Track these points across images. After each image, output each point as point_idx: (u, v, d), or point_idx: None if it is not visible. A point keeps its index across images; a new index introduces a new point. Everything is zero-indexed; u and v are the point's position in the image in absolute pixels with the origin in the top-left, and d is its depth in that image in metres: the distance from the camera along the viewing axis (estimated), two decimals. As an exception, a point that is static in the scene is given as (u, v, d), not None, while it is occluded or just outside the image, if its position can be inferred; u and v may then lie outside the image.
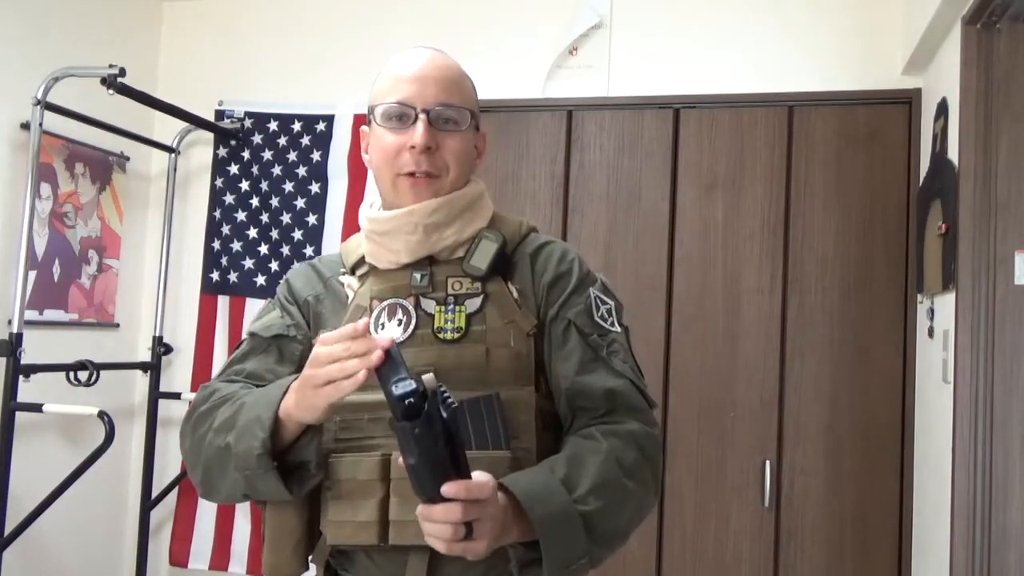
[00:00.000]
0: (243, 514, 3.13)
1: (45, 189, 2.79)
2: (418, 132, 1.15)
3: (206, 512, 3.17)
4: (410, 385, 0.89)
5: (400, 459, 0.92)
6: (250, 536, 3.12)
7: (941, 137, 2.28)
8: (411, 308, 1.17)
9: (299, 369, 1.16)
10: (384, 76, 1.21)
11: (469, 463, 0.94)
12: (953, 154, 2.12)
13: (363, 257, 1.23)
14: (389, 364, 0.93)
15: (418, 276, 1.18)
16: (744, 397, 2.69)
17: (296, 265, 1.34)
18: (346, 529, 1.11)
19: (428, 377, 0.91)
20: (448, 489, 0.90)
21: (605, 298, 1.22)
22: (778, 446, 2.66)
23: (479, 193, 1.23)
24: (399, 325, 1.16)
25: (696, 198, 2.80)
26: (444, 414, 0.89)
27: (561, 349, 1.17)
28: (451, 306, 1.16)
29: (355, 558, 1.16)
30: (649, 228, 2.81)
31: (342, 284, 1.25)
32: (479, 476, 0.95)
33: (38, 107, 2.56)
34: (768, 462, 2.65)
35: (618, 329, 1.21)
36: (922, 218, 2.47)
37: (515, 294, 1.18)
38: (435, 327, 1.15)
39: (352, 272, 1.25)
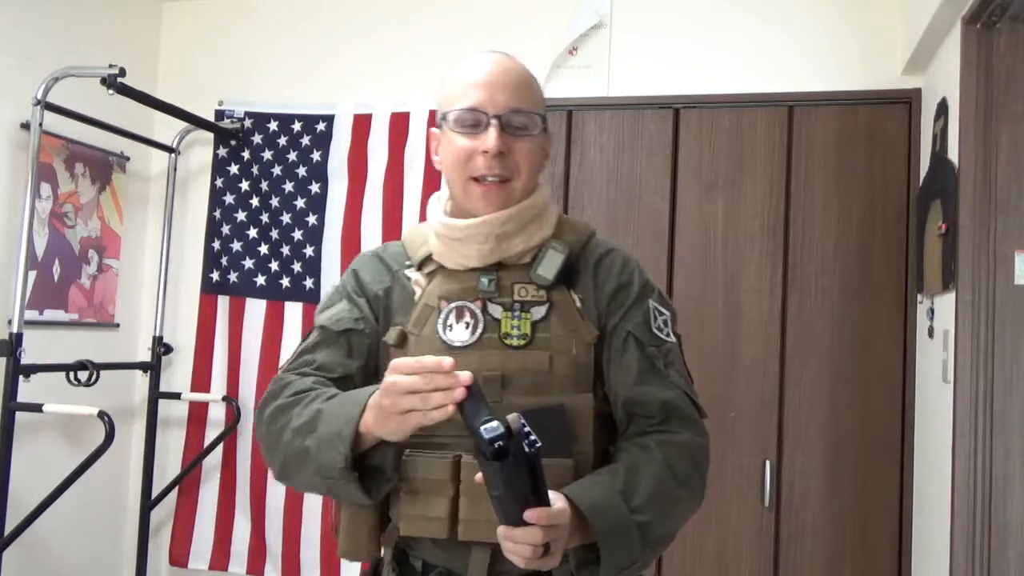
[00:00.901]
0: (243, 514, 3.13)
1: (45, 189, 2.79)
2: (491, 137, 1.18)
3: (206, 512, 3.17)
4: (499, 429, 0.94)
5: (474, 462, 0.99)
6: (250, 536, 3.12)
7: (941, 137, 2.28)
8: (478, 312, 1.21)
9: (367, 363, 1.26)
10: (453, 81, 1.24)
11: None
12: (953, 154, 2.12)
13: (430, 255, 1.27)
14: (472, 399, 0.97)
15: (486, 280, 1.22)
16: (744, 397, 2.69)
17: (360, 256, 1.36)
18: (418, 523, 1.17)
19: (512, 417, 0.96)
20: (531, 516, 0.97)
21: (662, 308, 1.27)
22: (778, 446, 2.66)
23: (546, 200, 1.28)
24: (466, 328, 1.20)
25: (696, 198, 2.80)
26: (528, 451, 0.95)
27: (620, 359, 1.22)
28: (517, 312, 1.20)
29: (421, 542, 1.21)
30: (649, 228, 2.81)
31: (409, 279, 1.27)
32: (556, 503, 1.02)
33: (38, 107, 2.56)
34: (768, 462, 2.65)
35: (673, 339, 1.27)
36: (922, 218, 2.47)
37: (578, 303, 1.22)
38: (501, 333, 1.19)
39: (419, 268, 1.27)
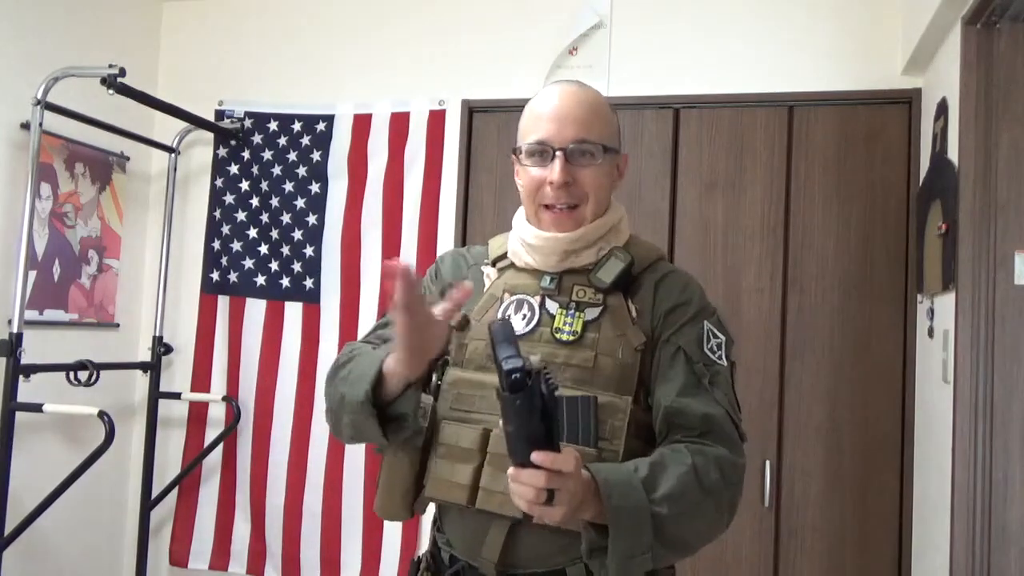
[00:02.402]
0: (243, 514, 3.13)
1: (45, 189, 2.79)
2: (555, 170, 1.27)
3: (206, 512, 3.18)
4: (519, 362, 1.00)
5: (500, 427, 1.04)
6: (250, 536, 3.12)
7: (941, 137, 2.28)
8: (536, 306, 1.30)
9: None
10: (527, 113, 1.34)
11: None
12: (953, 154, 2.12)
13: (505, 253, 1.39)
14: (504, 340, 1.04)
15: (548, 279, 1.32)
16: (744, 397, 2.67)
17: (447, 251, 1.50)
18: (442, 486, 1.25)
19: (536, 358, 1.02)
20: (536, 457, 1.00)
21: (718, 332, 1.31)
22: (778, 446, 2.66)
23: (618, 220, 1.36)
24: (523, 319, 1.30)
25: (696, 198, 2.80)
26: (544, 393, 1.00)
27: (667, 371, 1.26)
28: (572, 311, 1.28)
29: (450, 515, 1.31)
30: (649, 228, 2.81)
31: (483, 273, 1.39)
32: (567, 452, 1.03)
33: (38, 107, 2.56)
34: (768, 462, 2.65)
35: (724, 363, 1.30)
36: (922, 218, 2.47)
37: (633, 312, 1.29)
38: (554, 327, 1.28)
39: (493, 264, 1.40)
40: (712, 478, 1.17)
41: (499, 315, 1.31)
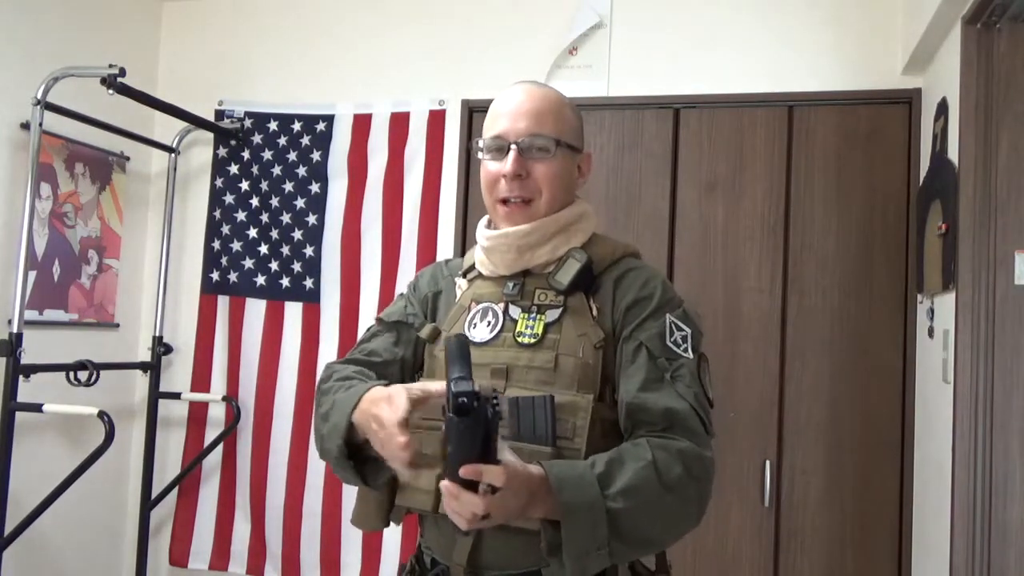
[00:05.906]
0: (243, 514, 3.13)
1: (45, 189, 2.79)
2: (508, 161, 1.31)
3: (206, 512, 3.18)
4: (468, 387, 1.01)
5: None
6: (250, 536, 3.12)
7: (941, 137, 2.28)
8: (500, 313, 1.33)
9: (413, 354, 1.41)
10: (489, 112, 1.38)
11: (515, 453, 1.08)
12: (953, 154, 2.12)
13: (474, 264, 1.42)
14: (458, 359, 1.05)
15: (511, 285, 1.34)
16: (744, 397, 2.69)
17: (427, 266, 1.54)
18: (409, 494, 1.27)
19: (485, 385, 1.03)
20: (464, 470, 1.01)
21: (682, 325, 1.29)
22: (778, 446, 2.66)
23: (577, 215, 1.37)
24: (487, 326, 1.32)
25: (696, 198, 2.80)
26: (488, 418, 1.01)
27: (629, 367, 1.26)
28: (533, 314, 1.31)
29: (427, 520, 1.34)
30: (649, 228, 2.81)
31: (455, 284, 1.44)
32: (497, 467, 1.03)
33: (38, 107, 2.56)
34: (768, 462, 2.65)
35: (689, 356, 1.27)
36: (922, 218, 2.48)
37: (594, 311, 1.30)
38: (516, 331, 1.30)
39: (465, 275, 1.43)
40: (675, 472, 1.15)
41: (466, 324, 1.33)
